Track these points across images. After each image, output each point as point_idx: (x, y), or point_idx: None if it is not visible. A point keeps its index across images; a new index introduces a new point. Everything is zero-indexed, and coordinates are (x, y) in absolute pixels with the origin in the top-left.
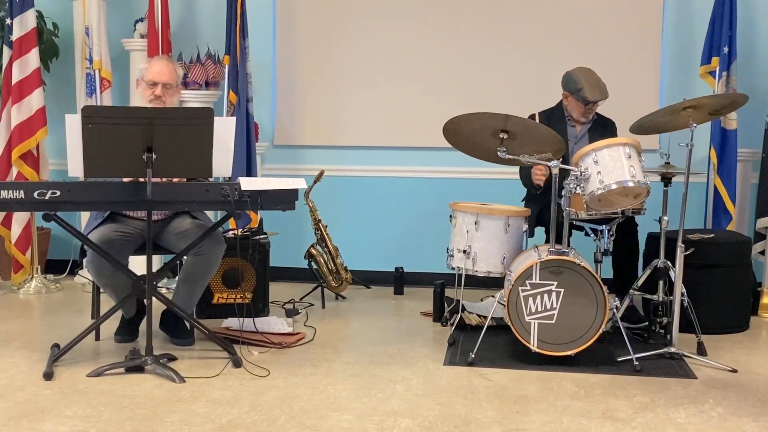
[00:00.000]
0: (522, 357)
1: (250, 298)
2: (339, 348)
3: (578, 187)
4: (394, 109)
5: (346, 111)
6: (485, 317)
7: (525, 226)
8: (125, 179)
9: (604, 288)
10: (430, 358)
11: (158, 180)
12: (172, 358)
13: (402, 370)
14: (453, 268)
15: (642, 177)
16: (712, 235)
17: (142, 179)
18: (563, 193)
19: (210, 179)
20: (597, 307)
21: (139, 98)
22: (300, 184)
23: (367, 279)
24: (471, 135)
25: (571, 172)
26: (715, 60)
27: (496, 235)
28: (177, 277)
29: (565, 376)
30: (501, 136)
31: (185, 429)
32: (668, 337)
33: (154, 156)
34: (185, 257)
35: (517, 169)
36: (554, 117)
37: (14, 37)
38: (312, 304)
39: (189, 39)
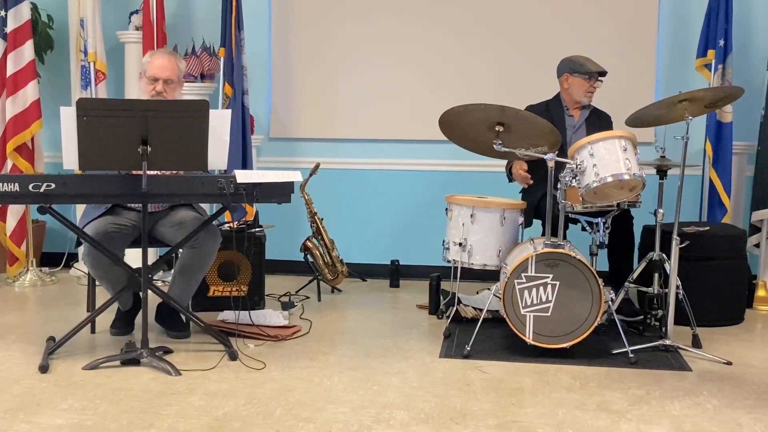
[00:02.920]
0: (517, 349)
1: (246, 290)
2: (335, 341)
3: (574, 180)
4: (390, 102)
5: (342, 104)
6: (481, 310)
7: (521, 219)
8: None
9: (600, 281)
10: (425, 351)
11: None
12: (168, 351)
13: (398, 363)
14: (449, 261)
15: (637, 170)
16: (708, 228)
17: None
18: (559, 186)
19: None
20: (592, 300)
21: (141, 92)
22: (296, 176)
23: (363, 272)
24: (467, 128)
25: (567, 165)
26: (710, 53)
27: (492, 228)
28: (173, 270)
29: (561, 368)
30: (497, 128)
31: (181, 422)
32: (663, 329)
33: (149, 149)
34: (181, 250)
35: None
36: (552, 107)
37: (8, 29)
38: (308, 297)
39: (184, 31)
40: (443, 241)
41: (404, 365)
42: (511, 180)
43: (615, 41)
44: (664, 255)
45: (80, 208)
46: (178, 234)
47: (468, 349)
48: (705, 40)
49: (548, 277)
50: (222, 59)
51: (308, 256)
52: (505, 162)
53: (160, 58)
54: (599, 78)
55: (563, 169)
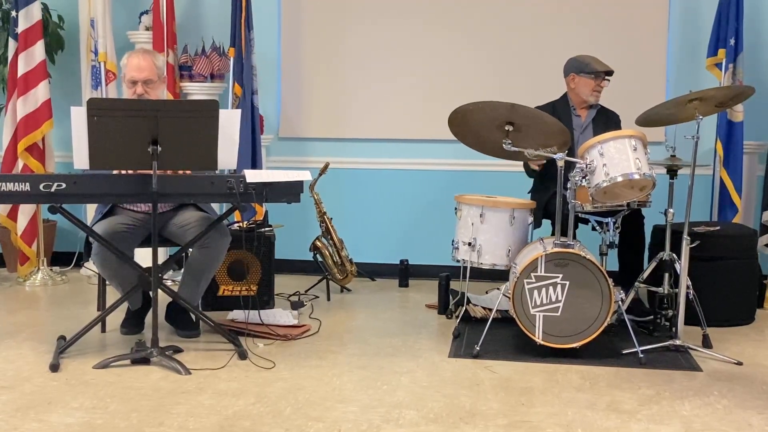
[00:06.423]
0: (527, 349)
1: (256, 290)
2: (344, 340)
3: (584, 180)
4: (399, 102)
5: (351, 103)
6: (490, 309)
7: (530, 219)
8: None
9: (610, 280)
10: (435, 351)
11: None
12: (178, 350)
13: (407, 362)
14: (458, 261)
15: (648, 169)
16: (718, 228)
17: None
18: (569, 185)
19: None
20: (602, 300)
21: (124, 95)
22: (305, 176)
23: (372, 271)
24: (476, 127)
25: (577, 165)
26: (721, 52)
27: (501, 227)
28: (182, 270)
29: (570, 368)
30: (506, 128)
31: (191, 420)
32: (673, 329)
33: (159, 148)
34: (191, 250)
35: (522, 162)
36: (559, 108)
37: (20, 29)
38: (317, 297)
39: (194, 31)
40: (452, 241)
41: (413, 365)
42: (529, 173)
43: (625, 40)
44: (674, 255)
45: (90, 208)
46: (187, 233)
47: (477, 348)
48: (716, 39)
49: (558, 276)
50: (232, 59)
51: (317, 255)
52: (517, 162)
53: (136, 58)
54: (606, 77)
55: (573, 169)
